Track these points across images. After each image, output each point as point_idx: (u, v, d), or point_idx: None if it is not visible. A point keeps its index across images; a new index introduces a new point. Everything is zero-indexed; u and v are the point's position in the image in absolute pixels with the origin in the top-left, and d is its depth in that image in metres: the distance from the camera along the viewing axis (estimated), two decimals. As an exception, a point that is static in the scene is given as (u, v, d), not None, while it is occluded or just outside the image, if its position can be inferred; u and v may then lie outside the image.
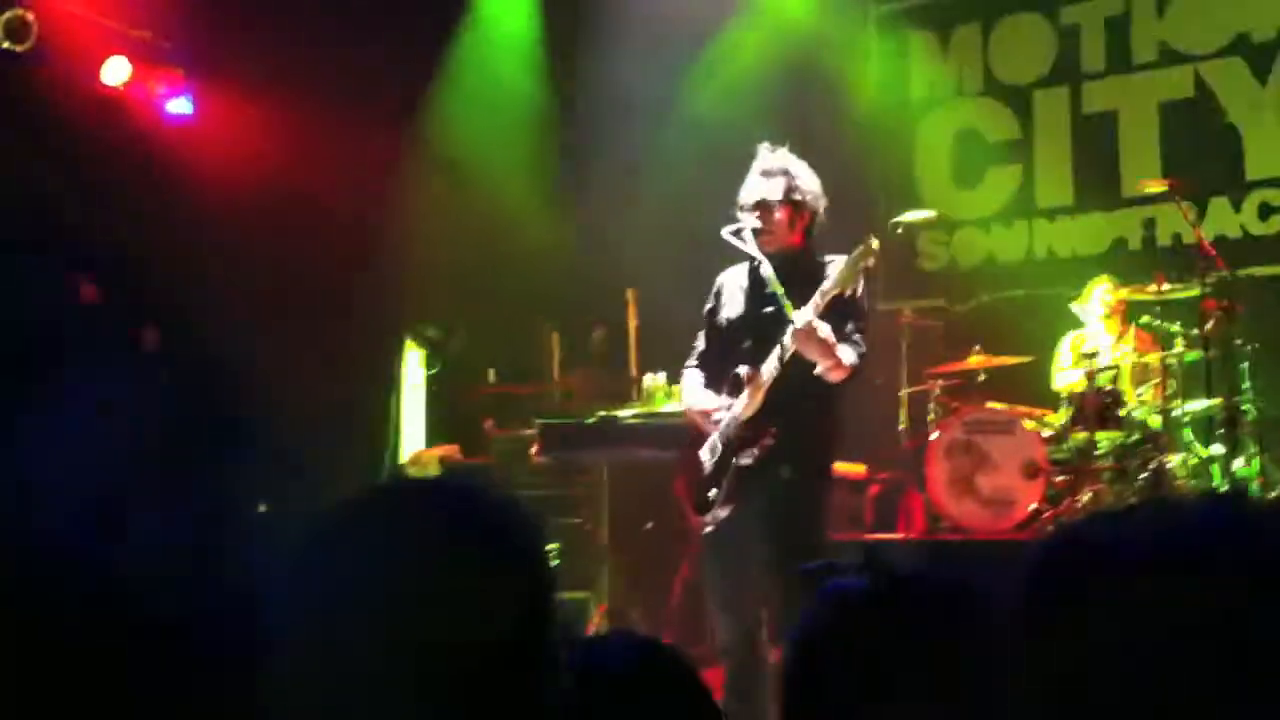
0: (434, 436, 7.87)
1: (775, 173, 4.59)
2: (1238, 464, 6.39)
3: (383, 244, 7.53)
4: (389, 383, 7.80)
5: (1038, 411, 7.04)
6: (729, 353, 4.61)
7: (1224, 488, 6.30)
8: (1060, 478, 6.82)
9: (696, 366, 4.80)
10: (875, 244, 4.36)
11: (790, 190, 4.57)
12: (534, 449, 6.65)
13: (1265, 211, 7.66)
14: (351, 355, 7.46)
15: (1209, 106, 7.90)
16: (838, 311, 4.40)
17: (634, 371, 7.38)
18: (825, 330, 4.32)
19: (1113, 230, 8.11)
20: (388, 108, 7.87)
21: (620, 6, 8.12)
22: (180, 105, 7.75)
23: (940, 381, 7.32)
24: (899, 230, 6.42)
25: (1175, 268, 7.08)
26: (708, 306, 4.79)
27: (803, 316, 4.32)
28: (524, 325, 8.09)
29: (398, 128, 7.97)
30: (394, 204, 7.68)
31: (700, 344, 4.82)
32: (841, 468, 6.58)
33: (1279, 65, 7.69)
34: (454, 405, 7.93)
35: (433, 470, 7.23)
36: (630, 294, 7.51)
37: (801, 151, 4.70)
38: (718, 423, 4.55)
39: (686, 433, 4.75)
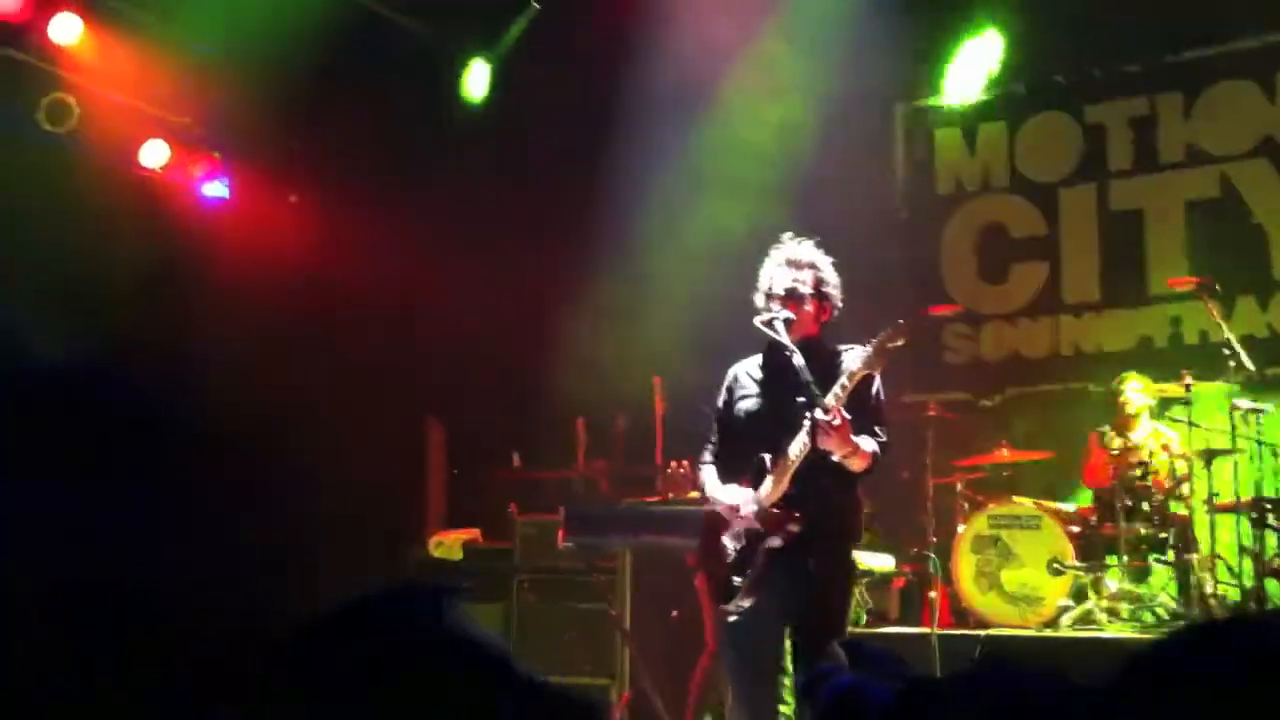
0: (458, 519, 7.86)
1: (804, 265, 4.64)
2: (1271, 560, 6.33)
3: (414, 328, 7.60)
4: (418, 465, 7.82)
5: (1065, 507, 7.00)
6: (749, 444, 4.59)
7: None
8: (1087, 574, 6.75)
9: (713, 460, 4.79)
10: (904, 326, 4.39)
11: (820, 283, 4.62)
12: (560, 533, 6.64)
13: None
14: (381, 437, 7.49)
15: (1235, 206, 7.94)
16: (857, 402, 4.41)
17: (659, 459, 7.38)
18: (842, 418, 4.33)
19: (1139, 327, 8.12)
20: (420, 193, 7.98)
21: (643, 93, 8.22)
22: (216, 189, 7.89)
23: (966, 475, 7.30)
24: (922, 320, 6.43)
25: (1202, 365, 7.09)
26: (722, 399, 4.79)
27: (823, 406, 4.33)
28: (551, 410, 8.11)
29: (430, 212, 8.07)
30: (426, 289, 7.76)
31: (715, 437, 4.81)
32: (867, 561, 6.57)
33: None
34: (479, 489, 7.94)
35: (456, 554, 7.22)
36: (656, 381, 7.53)
37: (827, 245, 4.76)
38: (742, 512, 4.54)
39: (710, 520, 4.73)
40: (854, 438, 4.36)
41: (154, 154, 7.68)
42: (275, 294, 7.30)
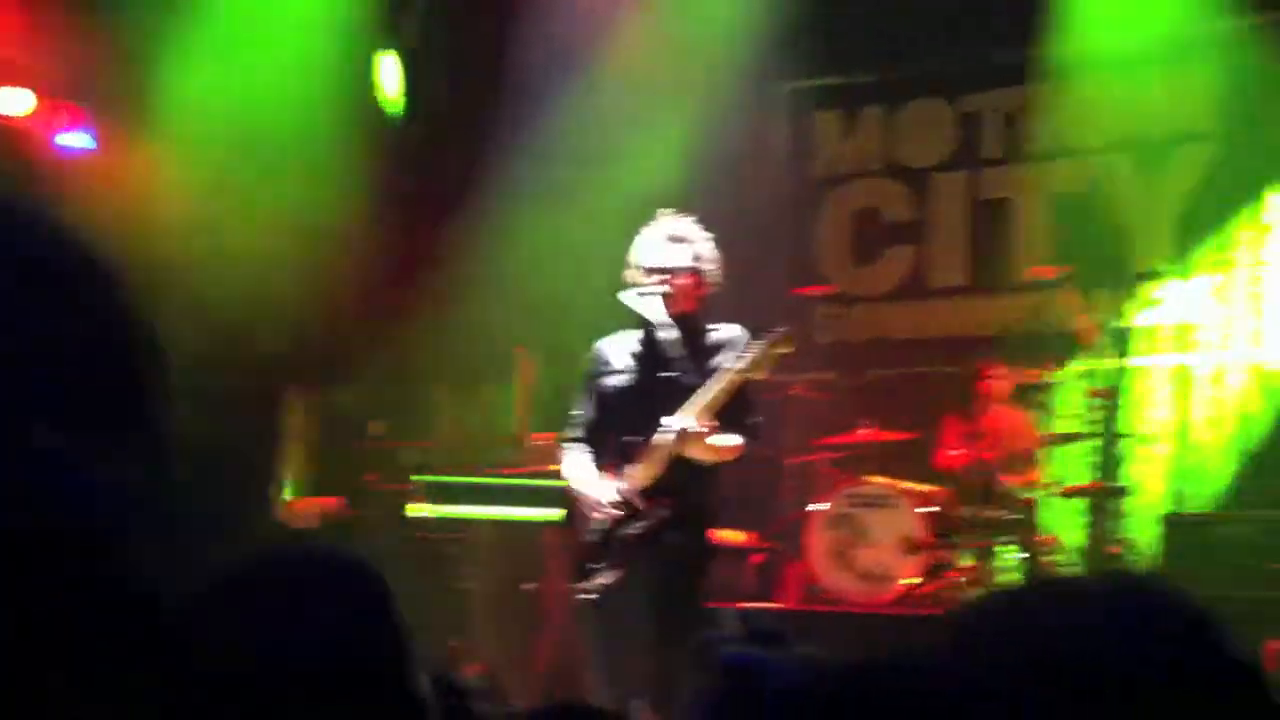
0: (317, 488, 7.77)
1: (681, 239, 4.59)
2: (1109, 546, 6.52)
3: (274, 291, 7.48)
4: (274, 434, 7.70)
5: (920, 487, 7.13)
6: (619, 421, 4.56)
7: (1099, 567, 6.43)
8: (938, 554, 6.89)
9: (581, 436, 4.72)
10: (789, 334, 4.40)
11: (696, 258, 4.57)
12: (413, 504, 6.60)
13: (1145, 304, 7.86)
14: (239, 404, 7.37)
15: (1100, 200, 8.11)
16: (735, 400, 4.39)
17: (522, 432, 7.36)
18: (705, 433, 4.33)
19: (1003, 314, 8.26)
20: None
21: (525, 58, 8.15)
22: (80, 139, 7.70)
23: (826, 453, 7.39)
24: (800, 302, 6.49)
25: (1060, 353, 7.27)
26: (591, 374, 4.70)
27: (683, 420, 4.31)
28: (415, 380, 8.05)
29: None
30: (287, 252, 7.63)
31: (582, 412, 4.72)
32: (724, 536, 6.63)
33: (1166, 164, 7.93)
34: (339, 458, 7.84)
35: (313, 522, 7.14)
36: (521, 352, 7.51)
37: (705, 220, 4.73)
38: (605, 501, 4.50)
39: (570, 497, 4.71)
40: (721, 442, 4.37)
41: (14, 101, 7.46)
42: (135, 251, 7.13)
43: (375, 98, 8.18)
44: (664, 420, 4.36)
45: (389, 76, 8.28)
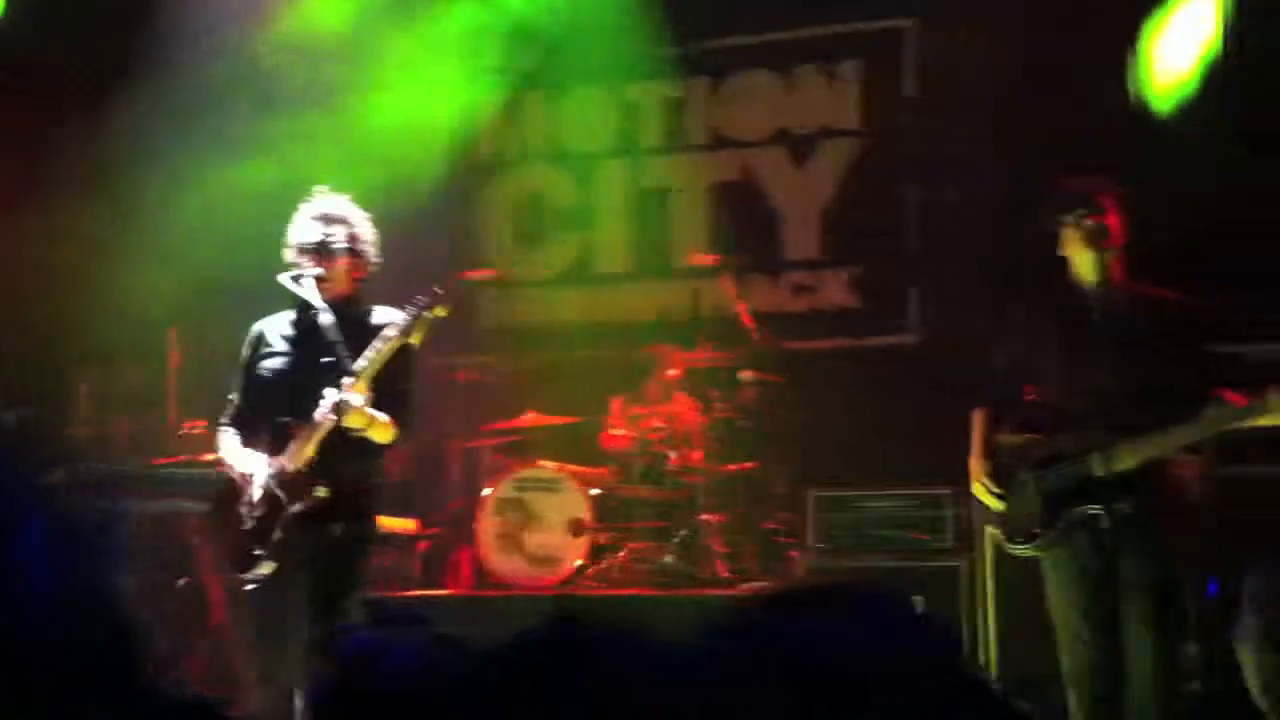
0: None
1: (336, 219, 4.50)
2: (765, 524, 6.78)
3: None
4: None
5: (587, 470, 7.21)
6: (274, 406, 4.43)
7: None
8: (605, 535, 6.99)
9: (234, 419, 4.59)
10: (443, 295, 4.33)
11: (353, 239, 4.50)
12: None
13: (798, 290, 8.24)
14: None
15: (753, 190, 8.43)
16: (390, 370, 4.33)
17: (173, 418, 6.97)
18: (362, 402, 4.25)
19: (663, 299, 8.48)
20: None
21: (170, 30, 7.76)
22: None
23: (494, 438, 7.37)
24: (461, 286, 6.41)
25: (719, 338, 7.51)
26: (246, 356, 4.59)
27: (346, 384, 4.22)
28: (57, 363, 7.49)
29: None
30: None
31: (237, 396, 4.61)
32: (390, 523, 6.50)
33: (814, 156, 8.32)
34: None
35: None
36: (172, 334, 7.11)
37: (365, 202, 4.63)
38: (260, 480, 4.35)
39: (226, 480, 4.51)
40: (380, 413, 4.28)
41: None
42: None
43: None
44: (323, 394, 4.25)
45: None
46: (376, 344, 4.28)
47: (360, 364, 4.26)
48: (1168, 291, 4.36)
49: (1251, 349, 5.67)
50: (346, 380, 4.23)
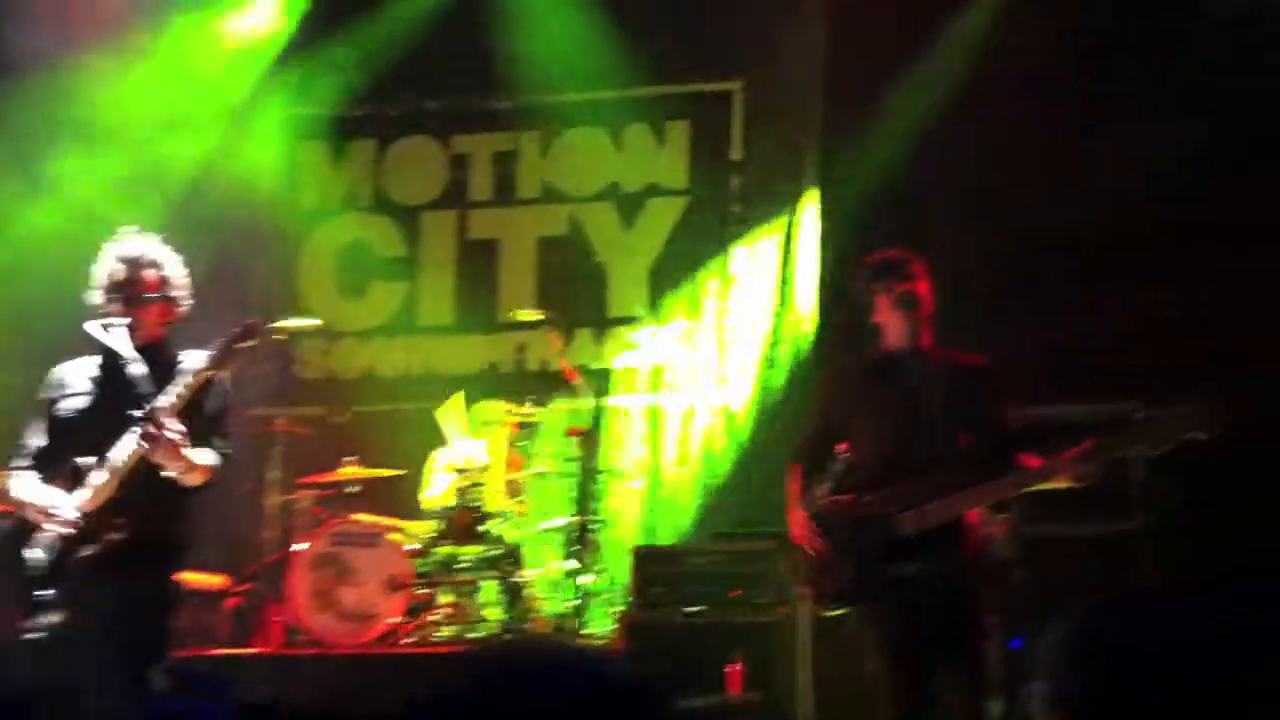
0: None
1: (147, 263, 4.34)
2: (586, 579, 6.75)
3: None
4: None
5: (406, 525, 7.08)
6: (73, 448, 4.22)
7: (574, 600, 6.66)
8: (422, 591, 6.86)
9: (30, 465, 4.33)
10: (252, 326, 4.22)
11: (164, 283, 4.34)
12: None
13: (622, 346, 8.27)
14: None
15: (581, 245, 8.45)
16: (199, 408, 4.19)
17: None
18: (176, 430, 4.08)
19: (488, 353, 8.41)
20: None
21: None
22: None
23: (312, 492, 7.20)
24: (277, 335, 6.28)
25: (542, 392, 7.49)
26: (46, 399, 4.37)
27: (155, 414, 4.05)
28: None
29: None
30: None
31: (34, 440, 4.37)
32: (196, 579, 6.27)
33: (641, 214, 8.39)
34: None
35: None
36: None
37: (180, 246, 4.48)
38: (53, 518, 4.14)
39: (16, 521, 4.26)
40: (189, 451, 4.12)
41: None
42: None
43: None
44: (129, 429, 4.08)
45: None
46: (185, 377, 4.13)
47: (170, 394, 4.10)
48: (974, 356, 4.49)
49: (1057, 410, 5.88)
50: (160, 405, 4.06)
